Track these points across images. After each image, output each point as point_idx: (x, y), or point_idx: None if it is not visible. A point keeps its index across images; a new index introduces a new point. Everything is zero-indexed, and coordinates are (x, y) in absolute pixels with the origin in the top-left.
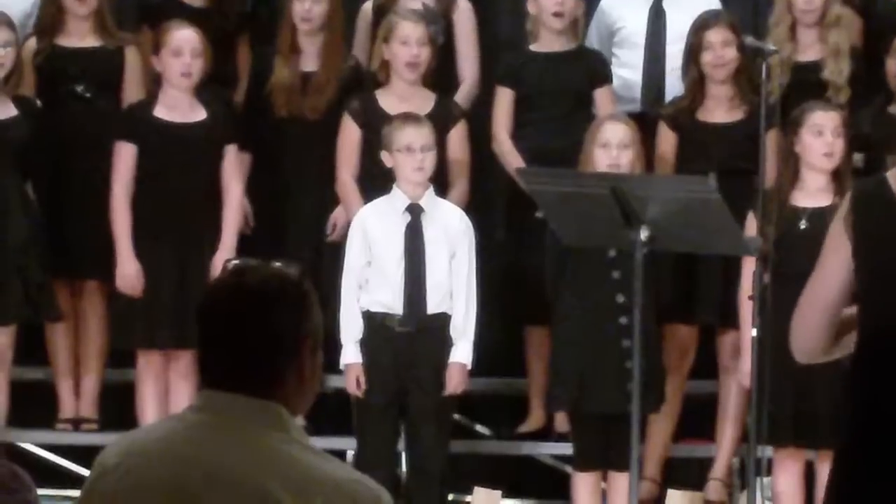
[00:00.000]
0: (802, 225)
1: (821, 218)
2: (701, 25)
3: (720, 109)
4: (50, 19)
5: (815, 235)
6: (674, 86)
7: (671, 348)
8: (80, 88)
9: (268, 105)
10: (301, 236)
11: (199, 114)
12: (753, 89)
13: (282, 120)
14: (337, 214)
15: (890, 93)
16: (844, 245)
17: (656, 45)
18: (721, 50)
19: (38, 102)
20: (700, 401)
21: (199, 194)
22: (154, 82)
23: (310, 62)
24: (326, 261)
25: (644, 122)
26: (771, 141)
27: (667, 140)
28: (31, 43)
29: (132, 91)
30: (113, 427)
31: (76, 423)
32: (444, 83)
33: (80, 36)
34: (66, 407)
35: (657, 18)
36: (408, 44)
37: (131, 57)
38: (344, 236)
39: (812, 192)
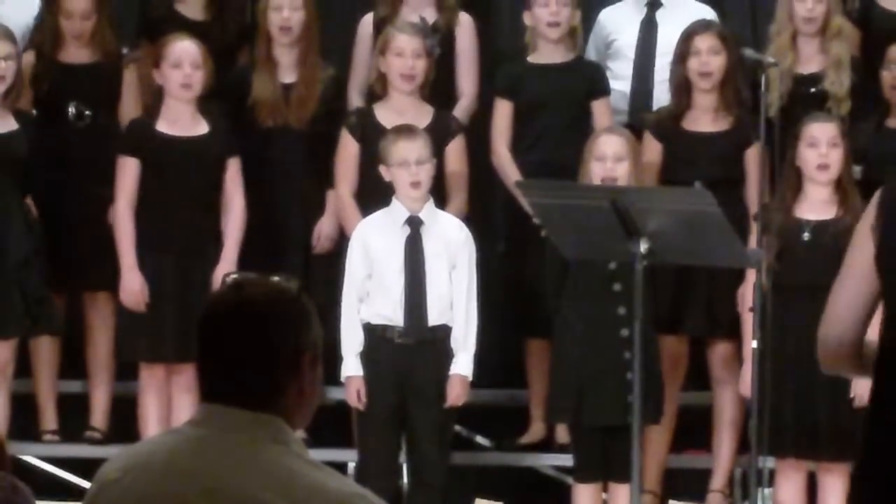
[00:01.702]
0: (805, 237)
1: (824, 230)
2: (690, 33)
3: (705, 119)
4: (49, 35)
5: (818, 248)
6: (661, 98)
7: (662, 360)
8: (78, 106)
9: (253, 117)
10: (291, 247)
11: (202, 127)
12: (740, 101)
13: (268, 130)
14: (321, 225)
15: (887, 105)
16: (868, 246)
17: (646, 56)
18: (707, 57)
19: (34, 114)
20: (700, 412)
21: (202, 207)
22: (156, 96)
23: (287, 73)
24: (316, 271)
25: (633, 133)
26: (754, 154)
27: (652, 149)
28: (30, 58)
29: (129, 108)
30: (115, 440)
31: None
32: (443, 96)
33: (77, 52)
34: (48, 418)
35: (649, 30)
36: (403, 56)
37: (128, 73)
38: (330, 247)
39: (815, 205)
